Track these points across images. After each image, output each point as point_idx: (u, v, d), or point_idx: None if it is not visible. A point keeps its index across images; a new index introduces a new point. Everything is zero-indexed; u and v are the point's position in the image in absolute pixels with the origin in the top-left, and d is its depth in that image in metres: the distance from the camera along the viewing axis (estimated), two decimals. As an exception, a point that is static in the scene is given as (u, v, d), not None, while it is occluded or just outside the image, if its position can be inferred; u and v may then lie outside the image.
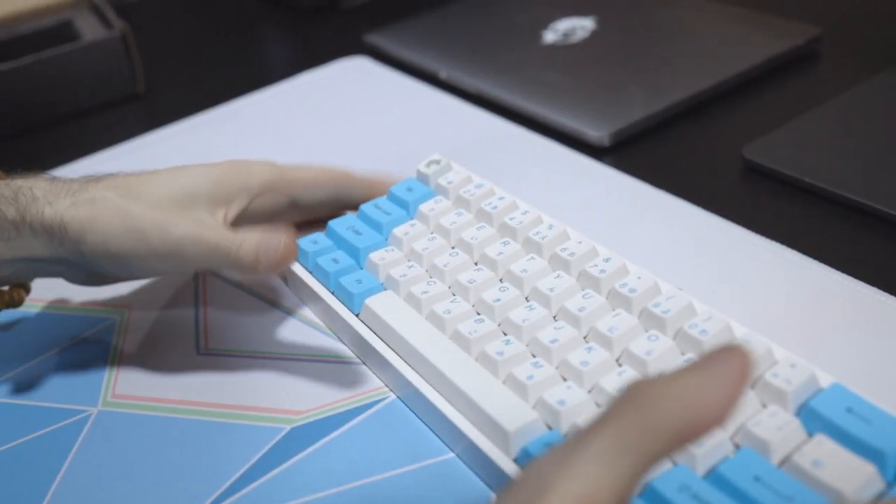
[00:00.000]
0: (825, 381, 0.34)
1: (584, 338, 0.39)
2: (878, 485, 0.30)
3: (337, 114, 0.68)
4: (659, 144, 0.59)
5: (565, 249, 0.43)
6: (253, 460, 0.39)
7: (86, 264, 0.42)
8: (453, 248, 0.46)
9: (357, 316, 0.44)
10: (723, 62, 0.64)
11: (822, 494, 0.30)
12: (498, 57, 0.70)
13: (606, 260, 0.42)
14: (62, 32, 0.77)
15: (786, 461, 0.32)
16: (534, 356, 0.39)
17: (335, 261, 0.46)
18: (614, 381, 0.36)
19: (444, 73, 0.70)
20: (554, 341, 0.38)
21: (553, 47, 0.70)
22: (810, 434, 0.33)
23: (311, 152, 0.62)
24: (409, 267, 0.45)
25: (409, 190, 0.49)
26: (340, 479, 0.38)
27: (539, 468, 0.24)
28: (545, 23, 0.74)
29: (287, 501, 0.37)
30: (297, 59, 0.81)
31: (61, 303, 0.50)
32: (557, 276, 0.42)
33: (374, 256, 0.46)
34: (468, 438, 0.37)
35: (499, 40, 0.73)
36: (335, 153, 0.62)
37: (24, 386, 0.45)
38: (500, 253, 0.44)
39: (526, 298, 0.42)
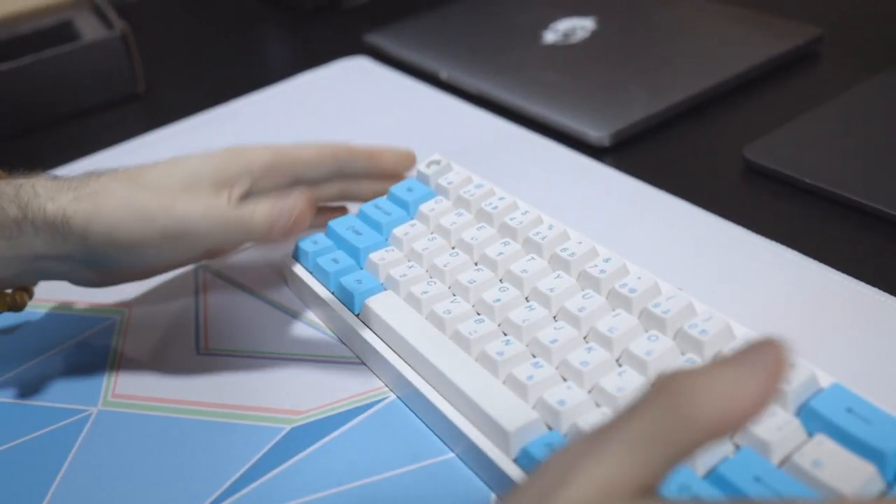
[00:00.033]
0: (825, 381, 0.35)
1: (584, 338, 0.39)
2: (878, 485, 0.30)
3: (337, 114, 0.68)
4: (659, 145, 0.59)
5: (565, 249, 0.43)
6: (253, 460, 0.39)
7: (91, 259, 0.42)
8: (453, 248, 0.46)
9: (357, 316, 0.44)
10: (723, 62, 0.64)
11: (822, 494, 0.30)
12: (498, 57, 0.70)
13: (606, 260, 0.42)
14: (62, 32, 0.77)
15: (786, 461, 0.32)
16: (534, 356, 0.39)
17: (335, 261, 0.46)
18: (614, 382, 0.36)
19: (444, 74, 0.70)
20: (554, 341, 0.38)
21: (553, 47, 0.70)
22: (810, 434, 0.33)
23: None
24: (410, 267, 0.45)
25: (410, 190, 0.49)
26: (340, 479, 0.38)
27: (567, 452, 0.24)
28: (545, 23, 0.74)
29: (287, 501, 0.37)
30: (297, 59, 0.81)
31: (61, 303, 0.50)
32: (557, 277, 0.42)
33: (375, 256, 0.46)
34: (468, 438, 0.37)
35: (499, 40, 0.73)
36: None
37: (24, 386, 0.45)
38: (501, 253, 0.44)
39: (526, 299, 0.42)
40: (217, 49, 0.85)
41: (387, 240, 0.47)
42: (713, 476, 0.31)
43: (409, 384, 0.40)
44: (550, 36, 0.72)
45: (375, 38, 0.77)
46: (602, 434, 0.23)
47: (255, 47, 0.85)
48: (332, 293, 0.45)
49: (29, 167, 0.45)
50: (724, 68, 0.63)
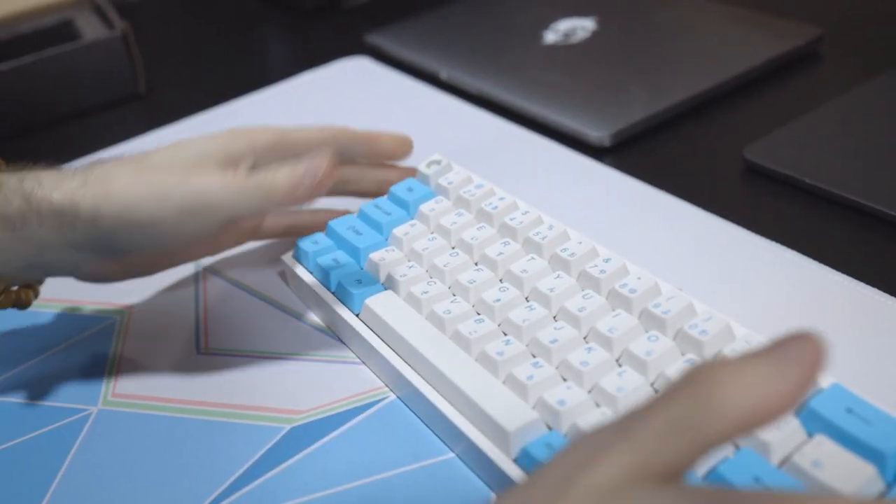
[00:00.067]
0: (825, 381, 0.34)
1: (584, 338, 0.39)
2: (877, 485, 0.30)
3: (337, 114, 0.68)
4: (659, 145, 0.59)
5: (565, 250, 0.43)
6: (253, 460, 0.39)
7: (101, 245, 0.41)
8: (453, 248, 0.46)
9: (357, 316, 0.44)
10: (723, 63, 0.64)
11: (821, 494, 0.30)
12: (498, 57, 0.70)
13: (606, 260, 0.42)
14: (63, 32, 0.77)
15: (786, 461, 0.32)
16: (534, 356, 0.39)
17: (335, 261, 0.46)
18: (614, 382, 0.36)
19: (444, 74, 0.70)
20: (554, 341, 0.38)
21: (553, 47, 0.70)
22: (810, 434, 0.33)
23: (311, 152, 0.62)
24: (410, 267, 0.45)
25: (410, 190, 0.49)
26: (340, 479, 0.38)
27: (596, 436, 0.24)
28: (546, 23, 0.74)
29: (287, 501, 0.37)
30: (297, 59, 0.81)
31: (62, 302, 0.51)
32: (557, 277, 0.42)
33: (375, 256, 0.46)
34: (468, 438, 0.37)
35: (499, 40, 0.73)
36: (335, 153, 0.62)
37: (24, 385, 0.45)
38: (501, 253, 0.44)
39: (526, 299, 0.42)
40: (217, 49, 0.85)
41: (387, 240, 0.47)
42: (713, 476, 0.31)
43: (408, 384, 0.40)
44: (551, 36, 0.72)
45: (375, 38, 0.77)
46: (630, 420, 0.23)
47: (255, 47, 0.85)
48: (332, 293, 0.45)
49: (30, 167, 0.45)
50: (724, 68, 0.63)
